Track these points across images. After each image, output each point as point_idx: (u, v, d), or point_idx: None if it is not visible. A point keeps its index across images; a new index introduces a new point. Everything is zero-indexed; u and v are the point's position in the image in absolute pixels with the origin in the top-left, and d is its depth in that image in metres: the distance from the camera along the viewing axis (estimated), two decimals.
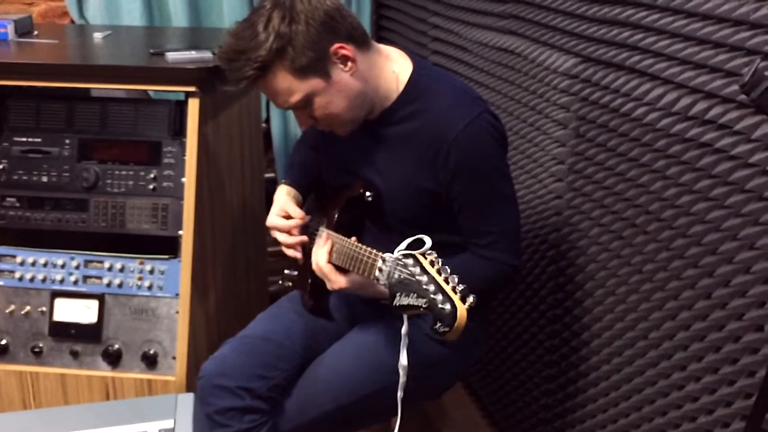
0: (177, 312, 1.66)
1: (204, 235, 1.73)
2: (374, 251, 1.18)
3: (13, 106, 1.72)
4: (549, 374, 1.75)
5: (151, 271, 1.68)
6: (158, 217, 1.68)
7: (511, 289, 1.85)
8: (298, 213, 1.42)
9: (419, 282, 1.00)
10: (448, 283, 0.99)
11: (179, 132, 1.67)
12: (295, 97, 1.24)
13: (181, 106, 1.66)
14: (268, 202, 1.53)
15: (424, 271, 1.01)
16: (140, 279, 1.68)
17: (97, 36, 2.00)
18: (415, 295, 1.00)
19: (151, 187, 1.68)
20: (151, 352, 1.66)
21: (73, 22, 2.55)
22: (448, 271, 1.01)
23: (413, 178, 1.30)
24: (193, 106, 1.64)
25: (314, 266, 1.32)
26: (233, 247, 1.97)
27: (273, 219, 1.44)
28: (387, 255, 1.12)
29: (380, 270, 1.14)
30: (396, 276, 1.06)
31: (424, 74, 1.33)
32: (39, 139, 1.72)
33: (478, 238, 1.34)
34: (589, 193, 1.54)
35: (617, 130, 1.42)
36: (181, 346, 1.65)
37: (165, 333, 1.66)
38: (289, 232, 1.42)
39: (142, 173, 1.69)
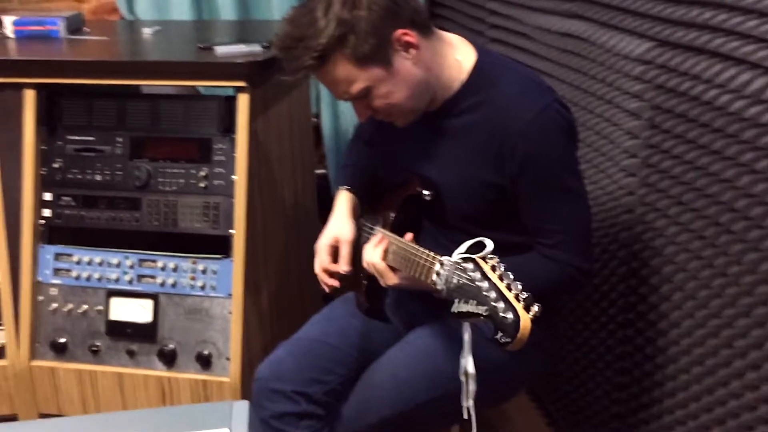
0: (230, 312, 1.65)
1: (255, 234, 1.70)
2: (431, 254, 1.13)
3: (66, 105, 1.73)
4: (620, 382, 1.65)
5: (204, 271, 1.67)
6: (209, 215, 1.67)
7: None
8: (345, 262, 1.36)
9: (479, 288, 0.95)
10: (510, 290, 0.93)
11: (229, 129, 1.65)
12: (356, 87, 1.19)
13: (230, 102, 1.64)
14: (320, 199, 1.50)
15: (484, 276, 0.96)
16: (193, 279, 1.67)
17: (146, 32, 2.00)
18: (475, 302, 0.94)
19: (202, 185, 1.67)
20: (206, 352, 1.66)
21: (122, 18, 2.57)
22: (511, 277, 0.95)
23: (476, 172, 1.25)
24: (243, 101, 1.62)
25: (366, 264, 1.28)
26: (285, 245, 1.95)
27: (321, 249, 1.38)
28: (445, 258, 1.07)
29: (438, 274, 1.08)
30: (455, 281, 1.01)
31: (488, 62, 1.27)
32: (92, 138, 1.73)
33: (544, 237, 1.27)
34: (665, 189, 1.44)
35: (697, 119, 1.32)
36: (234, 347, 1.64)
37: (219, 333, 1.66)
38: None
39: (192, 171, 1.67)
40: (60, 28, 1.94)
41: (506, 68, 1.27)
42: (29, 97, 1.69)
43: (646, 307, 1.53)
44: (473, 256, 1.00)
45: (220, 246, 1.66)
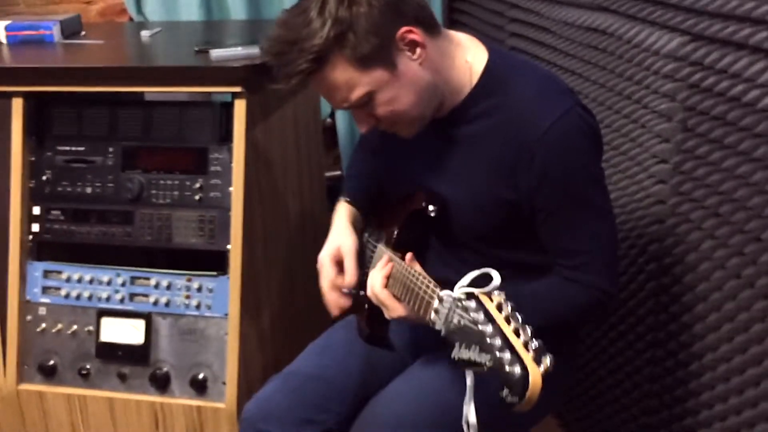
0: (227, 334, 1.57)
1: (254, 248, 1.61)
2: (432, 284, 1.03)
3: (55, 114, 1.66)
4: (649, 406, 1.54)
5: (199, 289, 1.59)
6: (205, 230, 1.59)
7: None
8: (350, 275, 1.28)
9: (482, 333, 0.83)
10: (519, 335, 0.81)
11: (226, 137, 1.57)
12: (357, 93, 1.10)
13: (227, 109, 1.56)
14: (334, 203, 1.42)
15: (488, 317, 0.84)
16: (188, 297, 1.60)
17: (145, 34, 1.93)
18: (478, 348, 0.83)
19: (197, 197, 1.59)
20: (200, 376, 1.58)
21: (131, 19, 2.51)
22: (520, 319, 0.84)
23: (489, 186, 1.15)
24: (240, 108, 1.53)
25: (369, 291, 1.17)
26: (290, 259, 1.85)
27: (325, 261, 1.32)
28: (445, 293, 0.96)
29: (436, 312, 0.97)
30: (454, 321, 0.90)
31: (501, 63, 1.16)
32: (82, 148, 1.66)
33: (566, 258, 1.16)
34: (699, 199, 1.32)
35: (736, 123, 1.20)
36: (231, 371, 1.56)
37: (214, 356, 1.58)
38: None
39: (187, 183, 1.60)
40: (54, 32, 1.88)
41: (521, 69, 1.17)
42: (17, 106, 1.62)
43: (677, 327, 1.41)
44: (476, 291, 0.88)
45: (217, 262, 1.58)
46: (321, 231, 2.15)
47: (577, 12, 1.75)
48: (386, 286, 1.15)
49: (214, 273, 1.58)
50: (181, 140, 1.60)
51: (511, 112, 1.11)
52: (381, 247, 1.30)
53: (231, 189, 1.56)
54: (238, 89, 1.52)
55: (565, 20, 1.80)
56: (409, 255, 1.14)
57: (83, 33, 1.97)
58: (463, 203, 1.18)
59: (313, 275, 2.05)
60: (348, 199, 1.41)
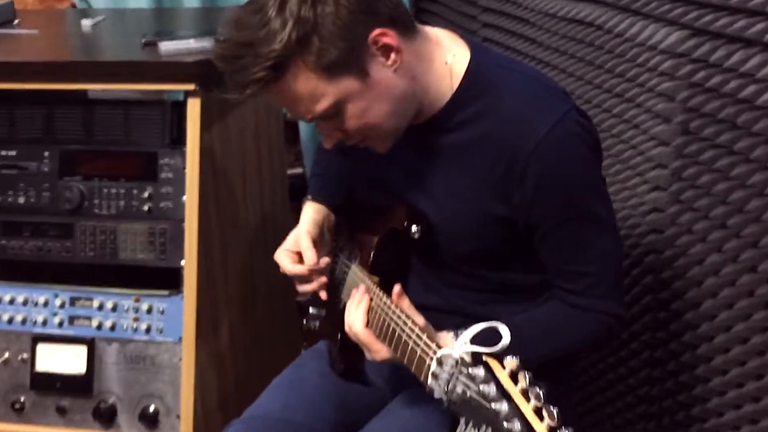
0: (180, 360, 1.45)
1: (212, 263, 1.49)
2: (425, 336, 0.91)
3: None
4: (645, 429, 1.46)
5: (149, 310, 1.48)
6: (155, 244, 1.47)
7: None
8: (310, 258, 1.18)
9: (496, 414, 0.70)
10: (542, 418, 0.69)
11: (178, 140, 1.45)
12: (322, 105, 0.98)
13: (179, 108, 1.44)
14: (296, 202, 1.31)
15: (502, 392, 0.71)
16: (136, 320, 1.48)
17: (86, 24, 1.79)
18: (490, 431, 0.71)
19: (145, 208, 1.47)
20: (151, 409, 1.47)
21: (74, 5, 2.38)
22: (542, 395, 0.71)
23: (478, 202, 1.05)
24: (193, 107, 1.42)
25: (347, 329, 1.07)
26: (250, 270, 1.73)
27: (281, 256, 1.22)
28: (444, 353, 0.83)
29: (434, 376, 0.84)
30: (458, 391, 0.77)
31: (486, 63, 1.06)
32: (14, 152, 1.53)
33: (568, 281, 1.06)
34: (702, 209, 1.25)
35: (745, 127, 1.11)
36: (185, 403, 1.44)
37: (167, 386, 1.47)
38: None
39: (135, 191, 1.48)
40: None
41: (509, 69, 1.07)
42: None
43: (679, 346, 1.34)
44: (483, 352, 0.76)
45: (169, 280, 1.47)
46: (283, 238, 2.05)
47: (561, 1, 1.67)
48: (368, 324, 1.04)
49: (166, 292, 1.47)
50: (127, 143, 1.47)
51: (501, 119, 1.02)
52: (355, 269, 1.19)
53: (184, 198, 1.44)
54: (191, 87, 1.40)
55: (547, 11, 1.72)
56: (397, 290, 1.02)
57: (16, 21, 1.82)
58: (448, 221, 1.09)
59: (276, 286, 1.95)
60: (316, 197, 1.30)
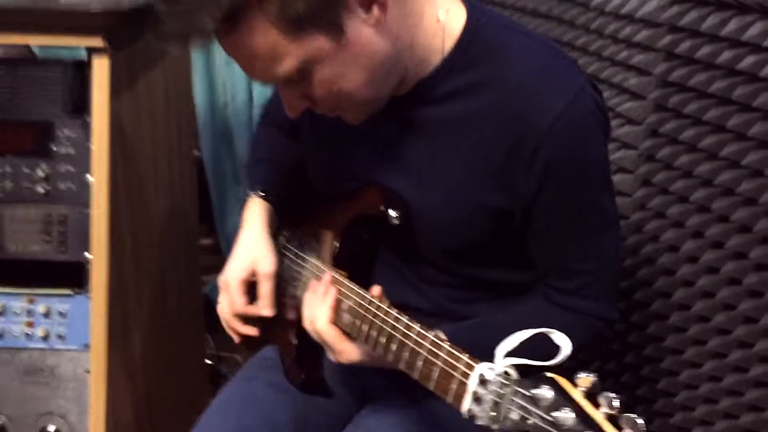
0: (87, 371, 1.27)
1: (123, 257, 1.31)
2: (447, 345, 0.77)
3: None
4: None
5: (46, 314, 1.28)
6: (53, 233, 1.27)
7: None
8: (267, 306, 1.05)
9: None
10: None
11: (80, 108, 1.25)
12: (283, 67, 0.83)
13: (81, 70, 1.24)
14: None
15: (584, 420, 0.59)
16: (30, 325, 1.28)
17: None
18: None
19: (40, 190, 1.27)
20: (51, 430, 1.28)
21: None
22: (638, 422, 0.59)
23: (471, 190, 0.93)
24: (101, 69, 1.22)
25: (307, 325, 0.93)
26: (161, 269, 1.55)
27: (233, 282, 1.06)
28: (485, 367, 0.70)
29: (477, 398, 0.70)
30: (514, 417, 0.64)
31: (486, 23, 0.93)
32: None
33: (562, 279, 0.97)
34: (678, 192, 1.21)
35: (738, 100, 1.08)
36: (95, 422, 1.26)
37: (71, 403, 1.28)
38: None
39: (25, 170, 1.27)
40: None
41: (515, 31, 0.94)
42: None
43: (647, 336, 1.29)
44: (538, 365, 0.64)
45: (71, 277, 1.27)
46: (193, 233, 1.87)
47: None
48: (334, 321, 0.91)
49: (69, 291, 1.27)
50: (15, 111, 1.26)
51: (506, 91, 0.89)
52: (314, 265, 1.05)
53: (90, 178, 1.24)
54: (98, 43, 1.20)
55: None
56: (377, 291, 0.90)
57: None
58: (432, 210, 0.96)
59: (185, 285, 1.77)
60: (262, 193, 1.15)
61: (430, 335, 0.79)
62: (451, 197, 0.95)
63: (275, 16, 0.79)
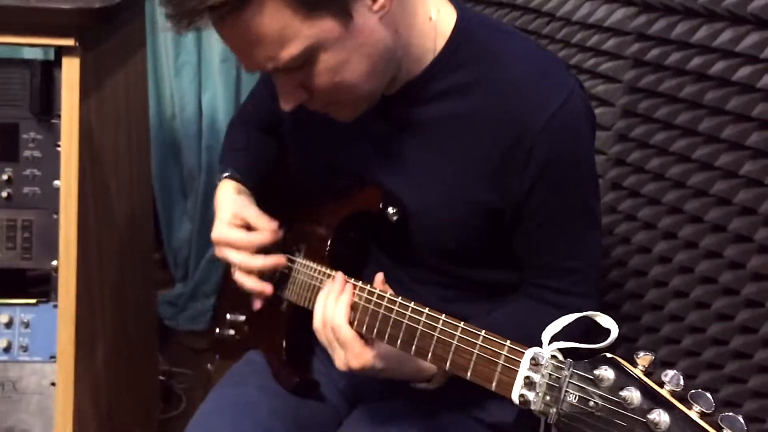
0: (53, 384, 1.23)
1: (90, 265, 1.27)
2: (484, 332, 0.77)
3: None
4: None
5: (9, 324, 1.23)
6: (17, 240, 1.23)
7: None
8: (264, 224, 1.04)
9: (652, 426, 0.59)
10: (719, 427, 0.58)
11: (47, 109, 1.22)
12: (290, 51, 0.82)
13: (49, 70, 1.21)
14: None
15: (653, 398, 0.60)
16: None
17: None
18: None
19: (3, 194, 1.22)
20: None
21: None
22: (708, 396, 0.60)
23: (465, 189, 0.94)
24: (71, 69, 1.19)
25: (321, 325, 0.91)
26: (122, 278, 1.51)
27: (224, 230, 1.05)
28: (535, 351, 0.71)
29: (528, 383, 0.69)
30: (571, 400, 0.64)
31: (477, 24, 0.95)
32: None
33: (552, 278, 0.99)
34: (649, 194, 1.26)
35: (710, 104, 1.14)
36: None
37: (35, 417, 1.23)
38: (252, 251, 1.03)
39: None
40: None
41: (507, 33, 0.97)
42: None
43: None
44: (591, 347, 0.65)
45: (36, 286, 1.24)
46: (149, 244, 1.83)
47: None
48: (350, 321, 0.90)
49: (33, 301, 1.23)
50: None
51: (501, 91, 0.90)
52: (303, 264, 1.04)
53: (57, 183, 1.20)
54: (69, 42, 1.17)
55: None
56: (380, 278, 0.90)
57: None
58: (428, 210, 0.96)
59: (144, 299, 1.72)
60: (236, 176, 1.14)
61: (460, 324, 0.79)
62: (444, 196, 0.95)
63: None
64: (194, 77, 2.38)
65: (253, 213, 1.06)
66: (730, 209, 1.12)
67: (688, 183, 1.18)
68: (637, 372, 0.62)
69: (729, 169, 1.11)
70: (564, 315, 0.98)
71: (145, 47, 1.71)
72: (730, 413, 0.60)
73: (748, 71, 1.07)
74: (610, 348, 0.70)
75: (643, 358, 0.62)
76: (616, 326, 0.68)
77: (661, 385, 0.61)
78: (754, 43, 1.05)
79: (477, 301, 1.04)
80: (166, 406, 2.07)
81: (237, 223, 1.05)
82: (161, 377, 2.05)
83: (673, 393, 0.61)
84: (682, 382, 0.61)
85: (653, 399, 0.60)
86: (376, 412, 1.04)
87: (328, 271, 0.99)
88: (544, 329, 0.96)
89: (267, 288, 1.04)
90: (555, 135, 0.89)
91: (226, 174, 1.14)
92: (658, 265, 1.25)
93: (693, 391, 0.60)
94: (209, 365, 1.23)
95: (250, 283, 1.04)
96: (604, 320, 0.69)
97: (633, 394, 0.61)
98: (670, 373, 0.61)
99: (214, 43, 2.36)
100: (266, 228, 1.04)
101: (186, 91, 2.40)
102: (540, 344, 0.95)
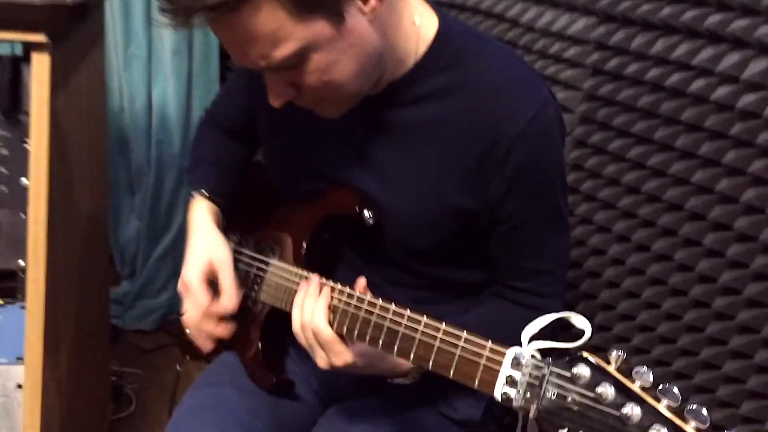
0: (19, 386, 1.21)
1: (56, 265, 1.26)
2: (465, 334, 0.81)
3: None
4: None
5: None
6: None
7: None
8: (232, 296, 1.08)
9: (624, 420, 0.64)
10: (685, 419, 0.64)
11: (14, 106, 1.21)
12: (283, 51, 0.84)
13: (17, 66, 1.19)
14: None
15: (626, 393, 0.65)
16: None
17: None
18: None
19: None
20: None
21: None
22: (675, 391, 0.65)
23: (440, 192, 0.98)
24: (41, 66, 1.18)
25: (301, 327, 0.94)
26: (82, 277, 1.50)
27: (195, 284, 1.08)
28: (515, 350, 0.76)
29: (510, 381, 0.75)
30: (550, 396, 0.70)
31: (458, 30, 0.99)
32: None
33: (522, 279, 1.04)
34: (605, 199, 1.34)
35: (665, 114, 1.21)
36: None
37: (1, 420, 1.22)
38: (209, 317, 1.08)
39: None
40: None
41: (486, 40, 1.01)
42: None
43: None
44: (567, 347, 0.70)
45: (2, 285, 1.22)
46: (104, 241, 1.82)
47: None
48: (329, 322, 0.93)
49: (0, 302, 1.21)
50: None
51: (479, 96, 0.94)
52: (278, 266, 1.07)
53: (24, 182, 1.20)
54: (40, 38, 1.16)
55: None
56: (362, 283, 0.93)
57: None
58: (403, 211, 1.00)
59: (98, 297, 1.71)
60: (207, 194, 1.16)
61: (441, 325, 0.83)
62: (420, 198, 0.98)
63: None
64: (144, 70, 2.36)
65: (227, 278, 1.08)
66: (681, 214, 1.20)
67: (642, 189, 1.25)
68: (611, 369, 0.68)
69: (681, 176, 1.19)
70: (536, 315, 1.04)
71: (104, 40, 1.69)
72: (695, 406, 0.66)
73: (702, 84, 1.15)
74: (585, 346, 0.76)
75: (615, 357, 0.69)
76: (590, 326, 0.73)
77: (633, 381, 0.67)
78: (709, 58, 1.13)
79: (448, 302, 1.08)
80: (116, 407, 2.06)
81: (208, 276, 1.08)
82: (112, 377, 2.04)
83: (643, 388, 0.67)
84: (651, 379, 0.67)
85: (626, 394, 0.66)
86: (350, 410, 1.08)
87: (303, 273, 1.02)
88: (517, 329, 1.02)
89: (207, 344, 1.10)
90: (531, 140, 0.94)
91: (203, 190, 1.16)
92: (611, 267, 1.33)
93: (661, 386, 0.66)
94: (178, 366, 1.24)
95: (194, 331, 1.10)
96: (578, 321, 0.75)
97: (608, 390, 0.67)
98: (641, 370, 0.67)
99: (165, 35, 2.34)
100: (231, 301, 1.07)
101: (135, 84, 2.37)
102: (517, 344, 1.02)
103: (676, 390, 0.65)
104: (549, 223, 1.03)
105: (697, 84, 1.15)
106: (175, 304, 2.56)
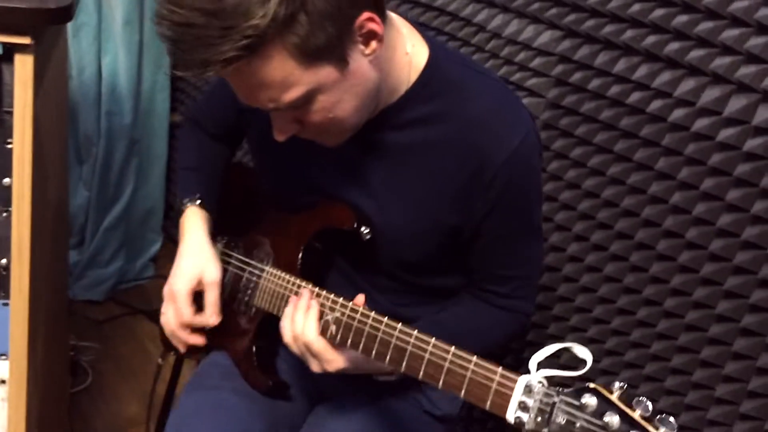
0: (2, 381, 1.25)
1: (40, 263, 1.29)
2: (475, 358, 0.87)
3: None
4: None
5: None
6: None
7: None
8: (214, 314, 1.15)
9: None
10: None
11: None
12: (292, 95, 0.90)
13: None
14: None
15: (630, 423, 0.73)
16: None
17: None
18: None
19: None
20: None
21: None
22: (672, 421, 0.74)
23: (430, 210, 1.05)
24: (24, 67, 1.19)
25: (292, 338, 1.01)
26: (55, 267, 1.52)
27: (181, 296, 1.14)
28: (527, 379, 0.82)
29: (522, 406, 0.81)
30: (560, 422, 0.77)
31: (447, 58, 1.06)
32: None
33: (498, 284, 1.13)
34: (564, 201, 1.43)
35: (618, 126, 1.30)
36: None
37: None
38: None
39: None
40: None
41: (474, 70, 1.07)
42: None
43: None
44: (570, 375, 0.78)
45: None
46: (67, 225, 1.81)
47: None
48: (323, 332, 1.00)
49: None
50: None
51: (467, 123, 1.01)
52: (272, 273, 1.13)
53: (6, 181, 1.21)
54: (24, 40, 1.16)
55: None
56: (361, 299, 1.00)
57: None
58: (394, 227, 1.07)
59: (61, 278, 1.72)
60: (199, 201, 1.21)
61: (451, 348, 0.88)
62: (410, 216, 1.06)
63: (295, 48, 0.85)
64: (94, 39, 2.33)
65: (213, 297, 1.14)
66: (635, 220, 1.32)
67: (602, 195, 1.36)
68: (614, 399, 0.77)
69: (638, 186, 1.30)
70: (505, 315, 1.15)
71: (66, 29, 1.67)
72: None
73: (659, 104, 1.25)
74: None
75: (618, 388, 0.77)
76: (590, 356, 0.82)
77: (634, 410, 0.77)
78: (667, 81, 1.23)
79: (426, 304, 1.17)
80: (73, 380, 2.09)
81: (195, 289, 1.14)
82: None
83: (643, 417, 0.77)
84: (650, 407, 0.77)
85: (629, 423, 0.75)
86: (337, 408, 1.17)
87: (299, 281, 1.08)
88: (490, 327, 1.12)
89: (181, 347, 1.18)
90: (514, 167, 1.02)
91: (197, 202, 1.20)
92: (568, 264, 1.43)
93: (659, 416, 0.76)
94: (160, 359, 1.30)
95: (168, 334, 1.17)
96: (580, 351, 0.84)
97: (613, 419, 0.76)
98: (640, 399, 0.77)
99: (116, 5, 2.30)
100: (213, 319, 1.14)
101: (84, 54, 2.34)
102: (490, 343, 1.11)
103: (672, 420, 0.75)
104: (525, 236, 1.12)
105: (655, 104, 1.25)
106: (124, 273, 2.58)
